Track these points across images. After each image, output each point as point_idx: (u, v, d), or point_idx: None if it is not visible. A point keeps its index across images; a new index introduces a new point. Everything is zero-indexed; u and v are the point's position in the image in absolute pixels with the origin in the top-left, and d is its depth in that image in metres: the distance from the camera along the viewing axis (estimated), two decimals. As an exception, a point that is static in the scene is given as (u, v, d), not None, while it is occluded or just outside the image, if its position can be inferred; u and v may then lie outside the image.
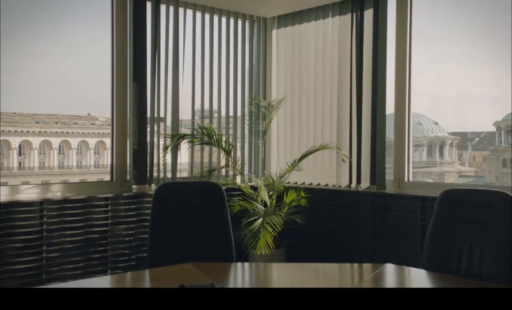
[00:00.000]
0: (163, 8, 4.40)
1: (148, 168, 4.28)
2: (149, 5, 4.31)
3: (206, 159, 4.76)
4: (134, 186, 4.19)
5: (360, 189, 4.39)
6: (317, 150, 4.55)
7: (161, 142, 4.42)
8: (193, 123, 4.68)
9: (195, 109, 4.73)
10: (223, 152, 4.58)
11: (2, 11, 3.72)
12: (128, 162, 4.26)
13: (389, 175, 4.35)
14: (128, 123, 4.26)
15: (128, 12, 4.23)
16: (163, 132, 4.45)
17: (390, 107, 4.33)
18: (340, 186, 4.56)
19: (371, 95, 4.29)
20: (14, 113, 4.65)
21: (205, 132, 4.47)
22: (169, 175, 4.47)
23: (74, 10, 4.45)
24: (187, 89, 4.60)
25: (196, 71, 4.67)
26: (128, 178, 4.27)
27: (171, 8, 4.47)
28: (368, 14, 4.32)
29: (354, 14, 4.40)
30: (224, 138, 4.59)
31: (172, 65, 4.47)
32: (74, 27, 4.48)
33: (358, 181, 4.39)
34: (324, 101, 4.73)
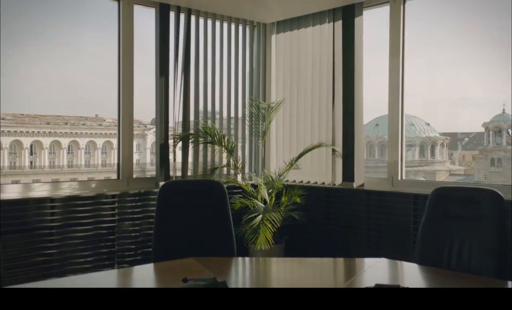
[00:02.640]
0: (182, 16, 4.59)
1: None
2: (172, 15, 4.52)
3: (208, 159, 4.85)
4: (161, 183, 4.36)
5: (342, 185, 4.58)
6: (314, 147, 4.67)
7: (170, 142, 4.55)
8: (196, 123, 4.76)
9: (199, 110, 4.83)
10: (225, 151, 4.69)
11: (8, 17, 3.84)
12: (154, 161, 4.50)
13: (383, 174, 4.48)
14: (152, 125, 4.49)
15: (134, 16, 4.37)
16: (171, 133, 4.58)
17: (384, 109, 4.47)
18: (335, 185, 4.68)
19: (342, 98, 4.54)
20: (22, 114, 4.72)
21: (208, 132, 4.58)
22: (177, 173, 4.59)
23: (80, 14, 4.53)
24: (190, 91, 4.69)
25: (200, 74, 4.78)
26: (154, 175, 4.50)
27: (182, 16, 4.61)
28: (349, 24, 4.53)
29: (345, 22, 4.57)
30: (226, 138, 4.70)
31: (181, 68, 4.61)
32: (81, 31, 4.55)
33: (347, 178, 4.58)
34: (321, 103, 4.84)
